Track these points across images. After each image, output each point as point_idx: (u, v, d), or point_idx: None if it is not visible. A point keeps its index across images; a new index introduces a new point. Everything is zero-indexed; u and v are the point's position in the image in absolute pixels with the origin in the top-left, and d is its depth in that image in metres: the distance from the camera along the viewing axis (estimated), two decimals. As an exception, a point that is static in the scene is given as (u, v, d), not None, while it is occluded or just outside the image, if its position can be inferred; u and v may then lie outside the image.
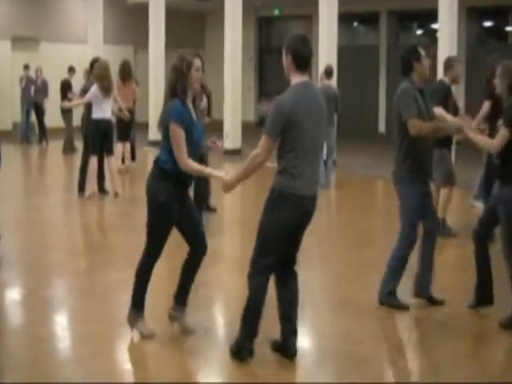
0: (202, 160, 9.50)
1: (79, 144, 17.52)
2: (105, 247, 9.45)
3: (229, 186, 5.48)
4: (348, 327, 6.31)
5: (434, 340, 6.14)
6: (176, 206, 5.77)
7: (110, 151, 12.26)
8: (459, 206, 11.66)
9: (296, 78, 5.32)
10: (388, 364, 5.73)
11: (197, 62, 5.68)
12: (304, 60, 5.31)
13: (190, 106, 5.76)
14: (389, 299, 6.66)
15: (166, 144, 5.72)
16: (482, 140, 6.51)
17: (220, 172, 5.60)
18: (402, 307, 6.62)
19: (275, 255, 5.40)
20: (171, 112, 5.62)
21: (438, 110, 8.03)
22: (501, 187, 6.39)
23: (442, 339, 6.10)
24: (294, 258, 5.63)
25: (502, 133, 6.16)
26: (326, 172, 13.79)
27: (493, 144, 6.31)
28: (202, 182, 10.16)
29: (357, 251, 9.17)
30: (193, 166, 5.66)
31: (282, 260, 5.47)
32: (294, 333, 5.53)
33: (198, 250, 6.00)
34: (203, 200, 10.66)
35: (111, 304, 6.97)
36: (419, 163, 6.57)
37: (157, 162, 5.82)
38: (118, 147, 14.94)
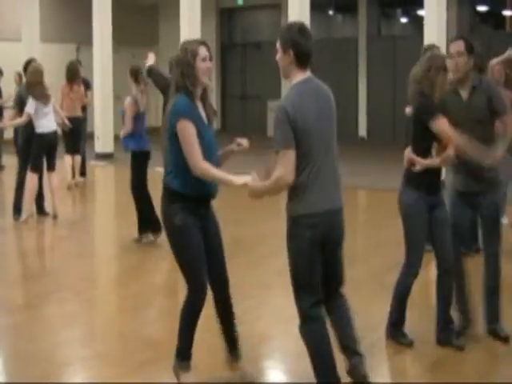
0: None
1: (7, 159, 17.51)
2: (44, 276, 9.39)
3: (256, 193, 5.18)
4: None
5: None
6: (197, 224, 5.53)
7: (53, 167, 12.16)
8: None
9: (297, 78, 5.15)
10: None
11: (202, 51, 5.46)
12: (307, 55, 5.13)
13: (199, 104, 5.57)
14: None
15: (173, 156, 5.49)
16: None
17: (246, 177, 5.22)
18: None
19: (315, 291, 5.27)
20: (177, 108, 5.38)
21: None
22: None
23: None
24: (339, 280, 5.53)
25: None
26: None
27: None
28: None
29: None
30: (210, 171, 5.34)
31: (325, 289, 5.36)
32: (360, 362, 5.43)
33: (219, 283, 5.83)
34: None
35: (52, 342, 6.91)
36: None
37: (167, 185, 5.55)
38: (66, 160, 14.91)
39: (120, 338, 7.06)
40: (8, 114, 16.04)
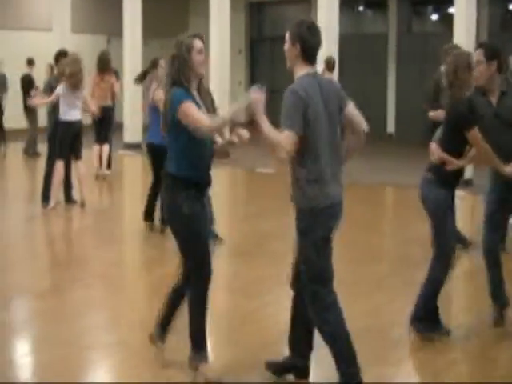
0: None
1: (42, 147, 17.67)
2: (72, 263, 9.56)
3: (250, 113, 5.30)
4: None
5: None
6: (202, 212, 5.74)
7: (79, 156, 12.34)
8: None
9: (302, 71, 5.37)
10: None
11: (197, 44, 5.69)
12: (314, 52, 5.40)
13: (196, 94, 5.75)
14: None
15: (175, 146, 5.69)
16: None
17: (244, 99, 5.31)
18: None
19: (330, 279, 5.49)
20: (174, 97, 5.55)
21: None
22: None
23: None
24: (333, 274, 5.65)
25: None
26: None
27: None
28: None
29: (363, 267, 9.28)
30: (217, 123, 5.52)
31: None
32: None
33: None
34: None
35: (77, 326, 7.07)
36: None
37: (167, 172, 5.75)
38: (95, 149, 15.08)
39: (144, 324, 7.17)
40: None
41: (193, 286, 5.70)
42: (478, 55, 6.61)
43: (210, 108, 5.98)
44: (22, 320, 7.45)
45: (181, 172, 5.65)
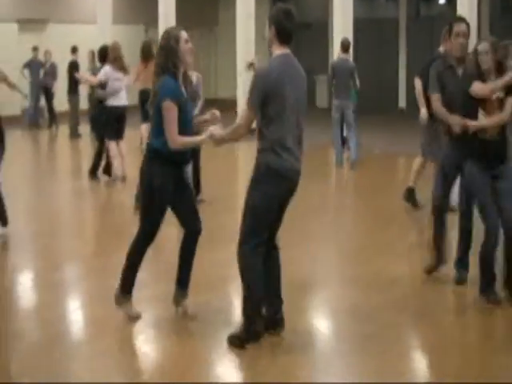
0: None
1: (83, 129, 17.85)
2: (113, 230, 9.65)
3: (219, 141, 5.65)
4: (356, 304, 6.51)
5: (440, 316, 6.33)
6: (171, 188, 5.92)
7: (121, 136, 12.48)
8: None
9: (278, 51, 5.55)
10: (392, 342, 5.88)
11: (183, 35, 5.87)
12: (287, 35, 5.55)
13: (181, 80, 5.90)
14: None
15: (158, 124, 5.84)
16: (492, 120, 6.46)
17: (206, 132, 5.68)
18: None
19: (266, 231, 5.57)
20: (164, 89, 5.75)
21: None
22: None
23: (446, 315, 6.30)
24: (276, 234, 5.78)
25: (510, 102, 6.28)
26: (345, 149, 13.97)
27: (502, 116, 6.36)
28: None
29: (373, 230, 9.33)
30: (184, 141, 5.81)
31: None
32: (281, 307, 5.74)
33: (192, 232, 6.14)
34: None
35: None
36: None
37: (150, 145, 5.95)
38: (143, 128, 15.23)
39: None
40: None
41: (133, 243, 6.19)
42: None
43: (190, 94, 6.16)
44: (72, 279, 7.59)
45: (155, 143, 5.86)
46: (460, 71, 6.78)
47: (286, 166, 5.46)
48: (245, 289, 5.57)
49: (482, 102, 6.32)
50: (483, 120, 6.33)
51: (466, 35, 6.77)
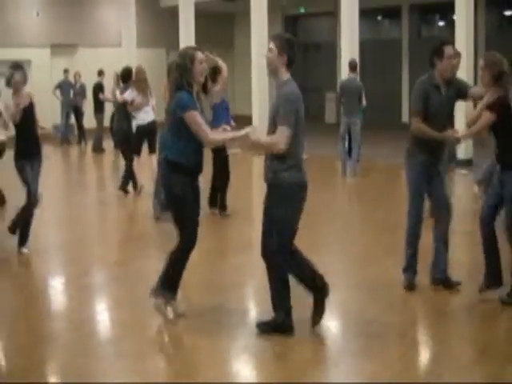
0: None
1: (106, 144, 17.93)
2: (136, 239, 9.69)
3: (253, 143, 5.64)
4: (362, 306, 6.50)
5: (445, 320, 6.29)
6: (191, 194, 5.96)
7: (152, 150, 12.16)
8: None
9: (285, 75, 5.59)
10: (397, 342, 5.87)
11: (199, 55, 5.86)
12: (294, 61, 5.63)
13: (195, 98, 5.92)
14: None
15: (175, 137, 5.86)
16: (475, 129, 6.53)
17: (246, 129, 5.68)
18: None
19: (293, 241, 5.73)
20: (183, 102, 5.76)
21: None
22: (502, 173, 6.47)
23: (454, 321, 6.27)
24: None
25: (485, 115, 6.35)
26: (351, 162, 13.98)
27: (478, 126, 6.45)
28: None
29: (378, 236, 9.32)
30: (218, 137, 5.95)
31: None
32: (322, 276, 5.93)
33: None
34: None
35: (141, 291, 7.17)
36: None
37: (166, 157, 5.96)
38: None
39: (199, 285, 7.30)
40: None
41: (177, 250, 6.11)
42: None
43: (203, 110, 6.15)
44: (99, 284, 7.62)
45: (180, 159, 5.86)
46: (444, 91, 6.72)
47: (306, 180, 5.66)
48: (281, 285, 5.69)
49: None
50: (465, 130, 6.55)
51: (459, 55, 6.75)
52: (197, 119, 5.74)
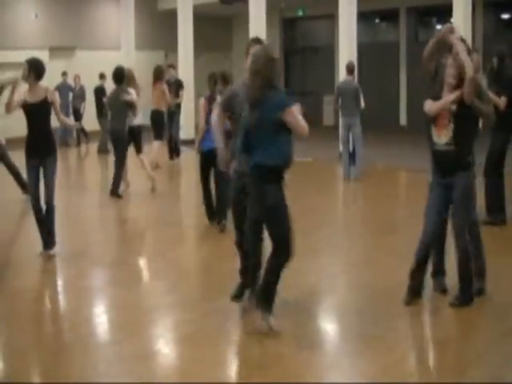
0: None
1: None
2: (134, 241, 9.67)
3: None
4: (362, 308, 6.47)
5: (443, 318, 6.27)
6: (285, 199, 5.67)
7: (139, 151, 12.72)
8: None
9: None
10: (398, 344, 5.85)
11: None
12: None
13: None
14: None
15: (271, 139, 5.51)
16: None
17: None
18: None
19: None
20: (283, 100, 5.51)
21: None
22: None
23: (453, 323, 6.24)
24: None
25: None
26: (353, 163, 13.94)
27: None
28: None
29: (378, 238, 9.29)
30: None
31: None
32: None
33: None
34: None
35: (140, 292, 7.19)
36: None
37: (263, 165, 5.53)
38: (155, 145, 15.31)
39: (196, 288, 7.28)
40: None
41: (275, 262, 5.67)
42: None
43: None
44: (97, 286, 7.56)
45: (277, 162, 5.55)
46: None
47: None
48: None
49: (432, 118, 6.38)
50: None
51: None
52: (298, 112, 5.53)
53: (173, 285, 7.34)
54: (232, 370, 5.45)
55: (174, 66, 17.99)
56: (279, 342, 5.61)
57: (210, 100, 9.48)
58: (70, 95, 20.61)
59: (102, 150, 18.74)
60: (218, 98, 9.77)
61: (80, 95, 20.52)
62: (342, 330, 6.12)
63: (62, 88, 20.56)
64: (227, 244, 9.35)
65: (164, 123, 15.58)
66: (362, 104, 14.14)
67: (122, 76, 12.39)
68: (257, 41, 6.11)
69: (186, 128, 20.31)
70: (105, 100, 16.55)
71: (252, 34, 19.05)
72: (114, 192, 12.25)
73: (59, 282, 7.74)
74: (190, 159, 17.88)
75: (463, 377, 5.03)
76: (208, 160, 9.42)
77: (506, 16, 23.75)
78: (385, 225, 10.02)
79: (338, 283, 7.41)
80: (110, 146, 13.27)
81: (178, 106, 17.29)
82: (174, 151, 17.03)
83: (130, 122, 12.22)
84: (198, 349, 5.61)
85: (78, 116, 20.42)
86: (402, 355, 5.48)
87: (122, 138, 12.27)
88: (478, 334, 6.02)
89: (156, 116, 15.10)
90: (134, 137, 12.50)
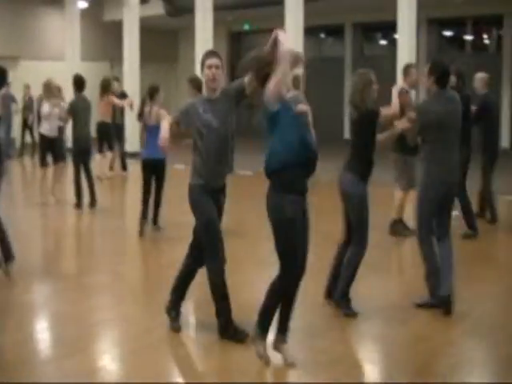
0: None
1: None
2: (82, 252, 9.53)
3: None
4: (305, 321, 6.46)
5: (424, 325, 6.30)
6: (302, 214, 5.27)
7: (55, 160, 12.92)
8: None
9: None
10: (346, 355, 5.85)
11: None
12: None
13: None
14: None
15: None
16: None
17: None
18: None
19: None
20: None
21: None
22: None
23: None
24: None
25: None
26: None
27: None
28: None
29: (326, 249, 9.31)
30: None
31: None
32: None
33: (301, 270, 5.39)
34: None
35: (85, 306, 7.06)
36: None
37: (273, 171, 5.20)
38: (96, 157, 15.23)
39: (140, 304, 7.19)
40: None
41: (278, 282, 5.27)
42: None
43: None
44: (41, 300, 7.42)
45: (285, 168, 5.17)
46: None
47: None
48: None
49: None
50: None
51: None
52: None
53: (117, 298, 7.24)
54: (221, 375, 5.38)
55: (117, 79, 17.83)
56: (224, 355, 5.57)
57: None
58: (13, 106, 20.26)
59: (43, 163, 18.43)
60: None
61: (29, 106, 20.22)
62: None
63: (5, 99, 20.20)
64: (172, 256, 9.31)
65: (111, 135, 15.47)
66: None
67: (82, 83, 12.38)
68: (213, 53, 5.98)
69: (131, 140, 20.15)
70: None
71: (198, 47, 19.12)
72: (93, 204, 12.23)
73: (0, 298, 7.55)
74: (136, 171, 17.82)
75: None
76: (149, 168, 10.04)
77: (448, 33, 24.26)
78: (330, 236, 10.02)
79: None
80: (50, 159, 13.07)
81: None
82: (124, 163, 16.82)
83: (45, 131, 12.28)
84: (142, 364, 5.53)
85: (29, 128, 20.15)
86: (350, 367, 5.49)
87: (89, 147, 12.29)
88: (423, 343, 6.06)
89: (102, 128, 15.03)
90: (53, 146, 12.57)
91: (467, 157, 9.64)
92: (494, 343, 6.00)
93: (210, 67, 5.83)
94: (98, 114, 14.83)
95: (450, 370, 5.44)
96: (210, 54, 6.00)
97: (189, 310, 6.69)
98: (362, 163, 6.55)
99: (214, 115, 5.77)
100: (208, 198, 5.78)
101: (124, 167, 16.81)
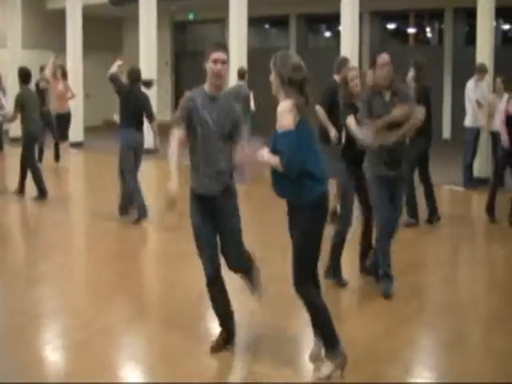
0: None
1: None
2: (22, 244, 9.44)
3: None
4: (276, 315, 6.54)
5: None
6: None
7: None
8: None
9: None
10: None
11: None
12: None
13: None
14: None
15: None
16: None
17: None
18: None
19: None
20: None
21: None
22: None
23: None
24: None
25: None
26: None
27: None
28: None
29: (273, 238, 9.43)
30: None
31: None
32: None
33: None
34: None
35: (28, 298, 7.03)
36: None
37: (301, 169, 5.06)
38: None
39: (84, 294, 7.19)
40: None
41: (305, 290, 5.00)
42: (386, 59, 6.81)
43: None
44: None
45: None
46: (387, 96, 6.88)
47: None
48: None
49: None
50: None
51: (389, 63, 6.84)
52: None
53: (60, 290, 7.24)
54: (121, 373, 5.41)
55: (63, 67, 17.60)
56: (169, 344, 5.63)
57: None
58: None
59: None
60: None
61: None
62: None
63: None
64: (117, 247, 9.32)
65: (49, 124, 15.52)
66: (253, 107, 14.38)
67: (28, 75, 12.23)
68: (220, 46, 5.36)
69: (75, 130, 19.94)
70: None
71: (142, 36, 19.06)
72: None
73: None
74: (80, 161, 17.75)
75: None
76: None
77: (391, 26, 24.54)
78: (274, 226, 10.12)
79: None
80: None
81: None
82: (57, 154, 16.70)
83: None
84: (87, 354, 5.56)
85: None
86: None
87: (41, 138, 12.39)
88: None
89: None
90: None
91: (425, 148, 9.99)
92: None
93: (215, 62, 5.23)
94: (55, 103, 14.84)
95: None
96: (216, 46, 5.33)
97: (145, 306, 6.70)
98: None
99: (211, 114, 5.30)
100: (198, 203, 5.35)
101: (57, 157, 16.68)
